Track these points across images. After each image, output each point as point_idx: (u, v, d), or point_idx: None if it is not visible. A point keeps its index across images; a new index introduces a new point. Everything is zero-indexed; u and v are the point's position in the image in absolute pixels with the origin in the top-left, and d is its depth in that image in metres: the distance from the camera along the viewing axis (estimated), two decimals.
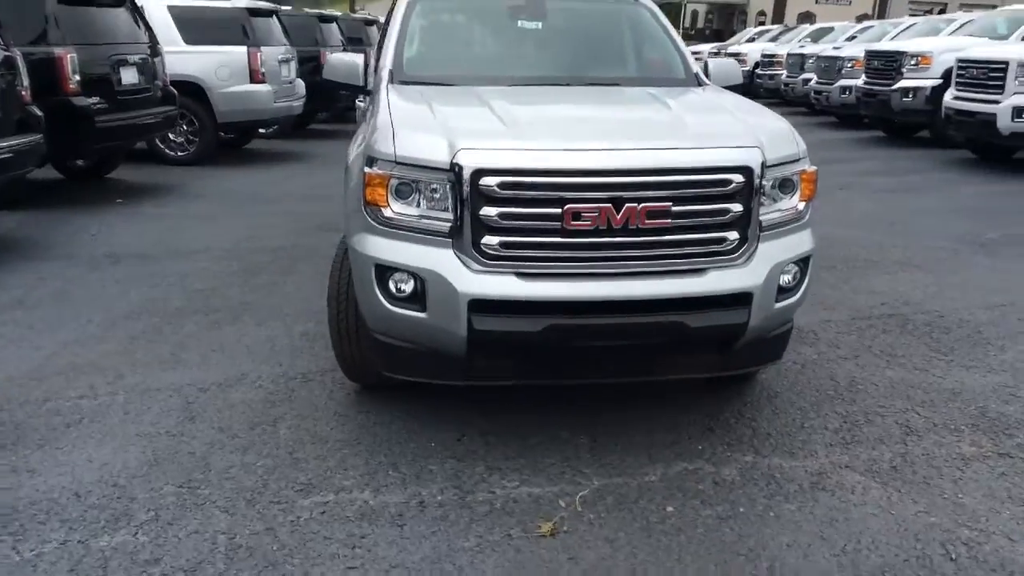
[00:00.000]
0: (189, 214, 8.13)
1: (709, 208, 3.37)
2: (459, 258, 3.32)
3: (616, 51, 5.00)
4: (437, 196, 3.35)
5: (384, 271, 3.44)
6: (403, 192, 3.40)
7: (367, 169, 3.45)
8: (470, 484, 3.34)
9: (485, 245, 3.29)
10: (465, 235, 3.30)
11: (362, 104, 5.37)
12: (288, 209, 8.48)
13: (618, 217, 3.27)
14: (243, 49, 11.04)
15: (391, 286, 3.45)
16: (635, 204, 3.28)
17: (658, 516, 3.14)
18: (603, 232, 3.29)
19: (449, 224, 3.32)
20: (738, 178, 3.37)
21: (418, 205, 3.39)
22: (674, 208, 3.32)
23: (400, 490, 3.29)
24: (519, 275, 3.32)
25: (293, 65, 12.31)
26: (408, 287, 3.43)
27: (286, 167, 11.23)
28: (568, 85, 4.46)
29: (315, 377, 4.31)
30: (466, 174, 3.26)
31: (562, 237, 3.29)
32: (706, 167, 3.36)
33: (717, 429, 3.81)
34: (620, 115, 3.97)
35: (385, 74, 4.42)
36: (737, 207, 3.39)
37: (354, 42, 15.45)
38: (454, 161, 3.28)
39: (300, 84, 12.56)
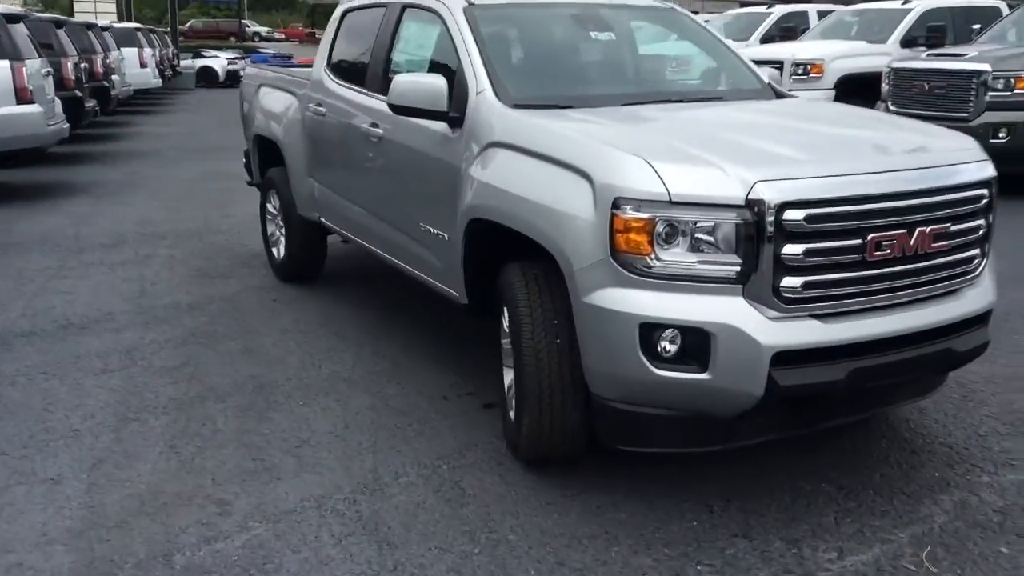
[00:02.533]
0: (25, 273, 6.56)
1: (970, 226, 3.23)
2: (753, 306, 2.88)
3: (692, 63, 4.70)
4: (717, 237, 2.88)
5: (652, 330, 2.91)
6: (668, 236, 2.89)
7: (618, 212, 2.90)
8: (794, 564, 2.93)
9: (785, 288, 2.90)
10: (762, 279, 2.88)
11: (376, 129, 4.56)
12: (145, 254, 7.16)
13: (911, 243, 3.02)
14: (5, 64, 9.16)
15: (660, 347, 2.92)
16: (925, 227, 3.05)
17: (1008, 561, 2.95)
18: (898, 260, 3.02)
19: (737, 268, 2.87)
20: (985, 192, 3.27)
21: (692, 249, 2.89)
22: (952, 228, 3.13)
23: None
24: (816, 318, 2.96)
25: (51, 80, 10.46)
26: (676, 346, 2.92)
27: (75, 202, 9.48)
28: (681, 101, 4.09)
29: (458, 462, 3.61)
30: (769, 209, 2.83)
31: (862, 270, 2.99)
32: (972, 182, 3.22)
33: (921, 453, 3.69)
34: (851, 134, 3.66)
35: (489, 96, 3.77)
36: (983, 222, 3.28)
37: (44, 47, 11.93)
38: (751, 196, 2.84)
39: (59, 102, 10.70)
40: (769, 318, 2.89)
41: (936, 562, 2.93)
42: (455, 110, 3.85)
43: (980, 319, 3.32)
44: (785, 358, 2.90)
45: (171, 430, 3.90)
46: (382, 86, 4.67)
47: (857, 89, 11.27)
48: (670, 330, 2.91)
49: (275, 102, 6.05)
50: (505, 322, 3.60)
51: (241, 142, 7.04)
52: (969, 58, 9.50)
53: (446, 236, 3.97)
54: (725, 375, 2.89)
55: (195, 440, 3.81)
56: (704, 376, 2.91)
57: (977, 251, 3.29)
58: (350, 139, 4.90)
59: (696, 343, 2.91)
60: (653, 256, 2.89)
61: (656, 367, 2.93)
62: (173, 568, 2.90)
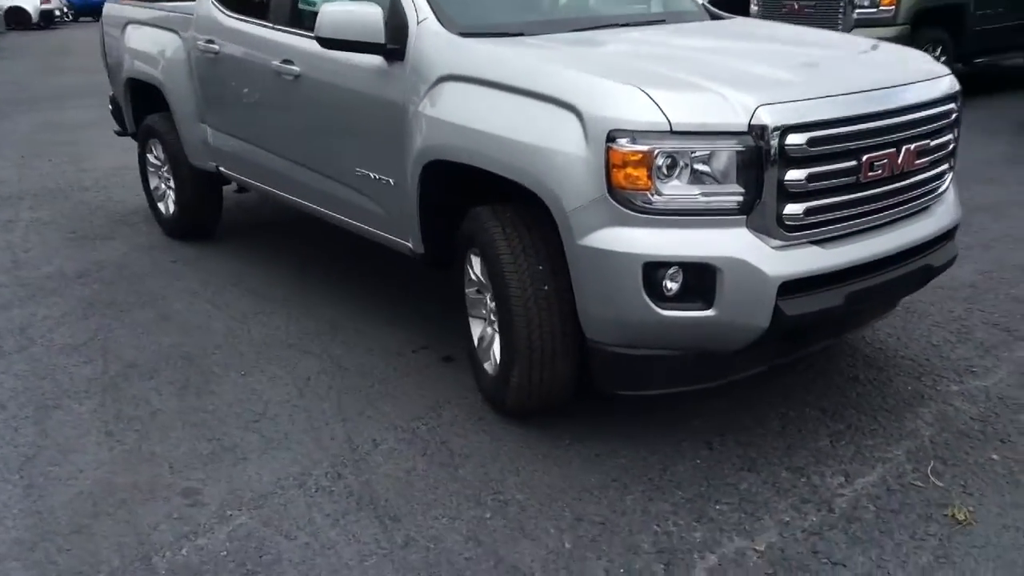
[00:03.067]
0: None
1: (943, 141, 3.24)
2: (757, 237, 2.79)
3: None
4: (718, 167, 2.75)
5: (656, 269, 2.77)
6: (668, 169, 2.75)
7: (614, 146, 2.72)
8: (808, 493, 2.91)
9: (787, 216, 2.81)
10: (765, 208, 2.79)
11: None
12: (5, 218, 6.45)
13: (899, 161, 3.00)
14: None
15: (664, 285, 2.79)
16: (911, 144, 3.03)
17: (1002, 467, 3.03)
18: (887, 180, 2.99)
19: (739, 198, 2.76)
20: (955, 106, 3.28)
21: (692, 181, 2.76)
22: (931, 144, 3.13)
23: (766, 522, 2.76)
24: (815, 244, 2.90)
25: None
26: (678, 284, 2.80)
27: None
28: (627, 25, 3.90)
29: (436, 421, 3.40)
30: (772, 134, 2.72)
31: (857, 192, 2.94)
32: (945, 96, 3.21)
33: (886, 369, 3.75)
34: (822, 53, 3.56)
35: (433, 25, 3.47)
36: (952, 137, 3.30)
37: None
38: (753, 122, 2.71)
39: None
40: (773, 248, 2.80)
41: (939, 476, 2.96)
42: (393, 42, 3.52)
43: (950, 233, 3.35)
44: (789, 287, 2.82)
45: (102, 415, 3.50)
46: (291, 19, 4.30)
47: (725, 10, 11.34)
48: (674, 268, 2.77)
49: (151, 41, 5.47)
50: (473, 271, 3.39)
51: (81, 89, 6.39)
52: None
53: (390, 181, 3.68)
54: (731, 310, 2.79)
55: (134, 424, 3.43)
56: (709, 313, 2.80)
57: (946, 166, 3.30)
58: (256, 79, 4.47)
59: (700, 279, 2.79)
60: (653, 191, 2.73)
61: (660, 307, 2.80)
62: (156, 572, 2.59)
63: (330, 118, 3.99)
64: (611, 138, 2.73)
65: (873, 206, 2.99)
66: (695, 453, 3.14)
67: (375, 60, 3.63)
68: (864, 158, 2.88)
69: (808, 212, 2.82)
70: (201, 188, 5.48)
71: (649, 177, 2.72)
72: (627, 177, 2.73)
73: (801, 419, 3.34)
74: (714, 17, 4.27)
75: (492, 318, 3.35)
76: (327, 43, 3.57)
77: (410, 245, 3.70)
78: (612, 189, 2.75)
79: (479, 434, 3.28)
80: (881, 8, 9.25)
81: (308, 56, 4.01)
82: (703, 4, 4.35)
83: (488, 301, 3.37)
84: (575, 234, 2.84)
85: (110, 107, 6.41)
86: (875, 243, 3.01)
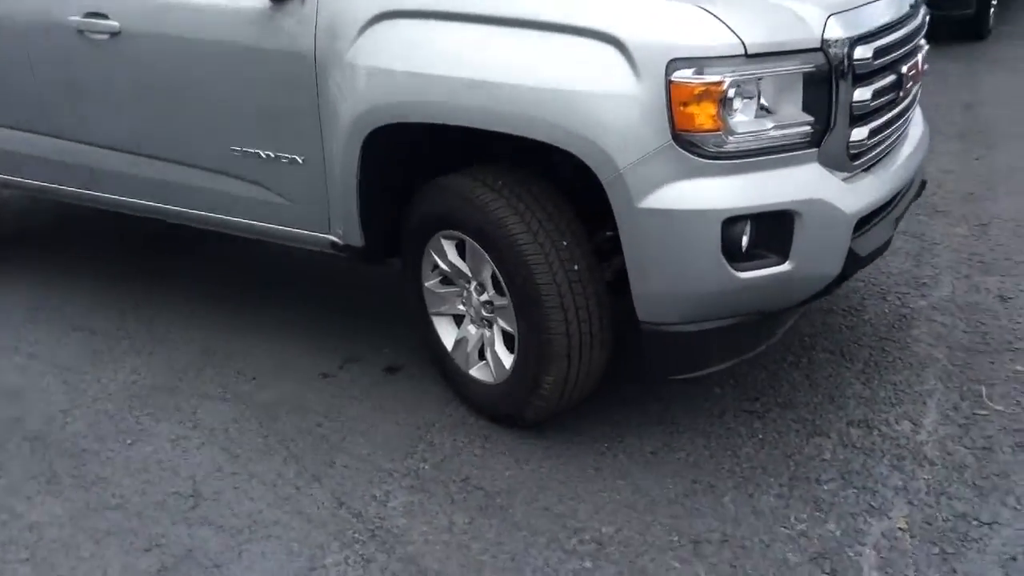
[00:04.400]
0: None
1: (926, 50, 3.03)
2: (829, 171, 2.43)
3: None
4: (784, 92, 2.34)
5: (734, 225, 2.33)
6: (736, 101, 2.29)
7: (677, 79, 2.20)
8: (893, 447, 2.64)
9: (854, 143, 2.47)
10: (835, 135, 2.41)
11: None
12: None
13: (918, 71, 2.78)
14: None
15: (740, 243, 2.36)
16: (921, 53, 2.82)
17: None
18: (904, 96, 2.74)
19: (809, 127, 2.36)
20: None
21: (760, 114, 2.32)
22: (924, 53, 2.93)
23: (883, 494, 2.45)
24: (867, 171, 2.60)
25: None
26: (749, 238, 2.39)
27: None
28: None
29: (436, 456, 2.73)
30: (843, 48, 2.34)
31: (896, 108, 2.67)
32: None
33: (848, 295, 3.59)
34: None
35: None
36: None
37: None
38: (825, 36, 2.32)
39: None
40: (842, 181, 2.44)
41: (993, 399, 2.82)
42: None
43: None
44: (859, 225, 2.48)
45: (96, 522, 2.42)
46: None
47: None
48: (750, 221, 2.32)
49: None
50: (443, 259, 2.73)
51: None
52: None
53: (297, 158, 2.87)
54: (807, 260, 2.40)
55: (16, 553, 2.40)
56: (785, 267, 2.39)
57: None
58: (39, 44, 3.34)
59: (775, 229, 2.36)
60: (726, 131, 2.24)
61: (738, 270, 2.34)
62: None
63: (179, 86, 3.04)
64: (672, 70, 2.18)
65: (901, 121, 2.73)
66: (749, 428, 2.76)
67: (253, 1, 2.76)
68: (903, 69, 2.59)
69: (871, 135, 2.48)
70: None
71: (720, 114, 2.22)
72: (689, 117, 2.22)
73: (816, 365, 3.07)
74: None
75: (483, 314, 2.71)
76: None
77: (334, 238, 2.93)
78: (677, 134, 2.22)
79: (499, 458, 2.66)
80: None
81: (134, 5, 3.01)
82: None
83: (474, 294, 2.72)
84: (632, 196, 2.28)
85: None
86: (906, 163, 2.77)
